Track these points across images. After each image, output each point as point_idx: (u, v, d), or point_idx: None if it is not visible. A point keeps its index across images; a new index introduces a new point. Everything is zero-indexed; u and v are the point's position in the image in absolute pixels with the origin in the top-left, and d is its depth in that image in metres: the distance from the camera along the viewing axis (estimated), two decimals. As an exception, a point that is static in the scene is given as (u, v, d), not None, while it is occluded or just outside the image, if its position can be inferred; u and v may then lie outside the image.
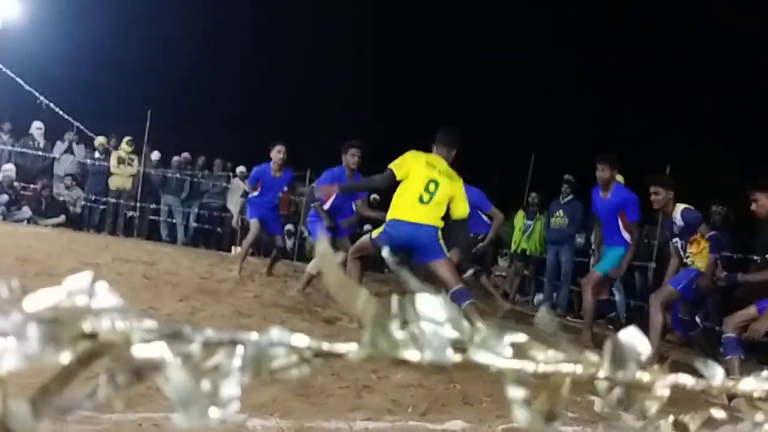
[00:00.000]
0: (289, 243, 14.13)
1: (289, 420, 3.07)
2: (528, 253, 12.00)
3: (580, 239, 11.65)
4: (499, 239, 11.64)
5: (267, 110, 20.86)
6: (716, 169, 13.43)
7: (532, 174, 13.55)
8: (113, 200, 14.33)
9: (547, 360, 0.58)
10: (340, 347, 0.54)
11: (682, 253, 6.60)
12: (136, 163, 14.43)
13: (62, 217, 13.70)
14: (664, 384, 0.58)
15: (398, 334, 0.55)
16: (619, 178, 7.81)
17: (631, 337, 0.58)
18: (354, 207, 8.17)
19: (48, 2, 16.32)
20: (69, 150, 14.62)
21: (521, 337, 0.59)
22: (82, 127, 14.78)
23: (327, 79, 21.51)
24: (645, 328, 6.82)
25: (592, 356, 0.58)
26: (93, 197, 14.33)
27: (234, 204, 12.63)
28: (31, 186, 13.75)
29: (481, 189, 8.33)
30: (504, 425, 3.28)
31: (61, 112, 14.52)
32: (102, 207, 14.41)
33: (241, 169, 14.42)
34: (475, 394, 3.86)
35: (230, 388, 0.50)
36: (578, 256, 11.51)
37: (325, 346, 0.53)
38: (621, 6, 20.16)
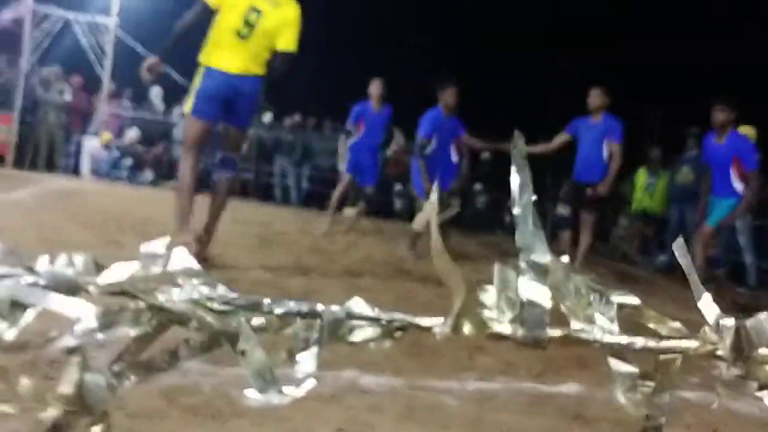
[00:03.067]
0: (398, 204, 14.19)
1: (401, 378, 3.06)
2: (649, 212, 11.54)
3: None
4: (619, 197, 11.23)
5: (377, 72, 20.79)
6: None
7: (654, 128, 13.03)
8: (228, 163, 14.65)
9: (658, 336, 0.52)
10: (424, 321, 0.50)
11: None
12: (249, 125, 14.66)
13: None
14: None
15: (489, 312, 0.51)
16: (749, 131, 7.36)
17: (761, 322, 0.52)
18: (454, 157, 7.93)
19: (166, -31, 16.72)
20: (187, 115, 14.99)
21: (634, 300, 0.54)
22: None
23: (436, 41, 21.21)
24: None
25: (711, 334, 0.52)
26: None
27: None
28: (152, 150, 14.25)
29: None
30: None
31: (177, 77, 14.90)
32: (218, 170, 14.77)
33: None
34: (594, 356, 3.69)
35: (306, 364, 0.47)
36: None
37: (408, 319, 0.49)
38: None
